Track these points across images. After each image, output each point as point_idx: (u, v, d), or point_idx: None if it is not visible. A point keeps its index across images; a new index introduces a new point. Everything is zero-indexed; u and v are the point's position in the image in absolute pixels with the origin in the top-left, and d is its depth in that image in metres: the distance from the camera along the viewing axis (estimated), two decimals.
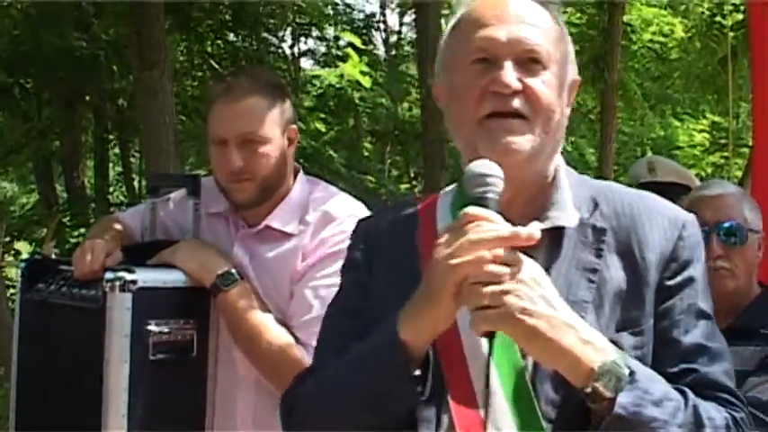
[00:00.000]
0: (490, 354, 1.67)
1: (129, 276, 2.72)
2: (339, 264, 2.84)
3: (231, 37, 12.63)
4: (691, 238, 1.88)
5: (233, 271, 2.85)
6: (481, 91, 1.83)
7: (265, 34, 12.96)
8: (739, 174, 11.28)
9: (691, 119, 17.39)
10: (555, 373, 1.72)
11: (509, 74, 1.81)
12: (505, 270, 1.63)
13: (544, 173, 1.90)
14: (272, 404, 2.87)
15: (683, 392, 1.74)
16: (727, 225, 2.90)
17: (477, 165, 1.74)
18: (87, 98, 12.24)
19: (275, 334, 2.83)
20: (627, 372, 1.66)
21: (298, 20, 13.49)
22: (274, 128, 2.93)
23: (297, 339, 2.83)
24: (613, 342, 1.72)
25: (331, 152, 11.54)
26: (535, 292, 1.64)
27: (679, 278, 1.85)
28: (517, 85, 1.81)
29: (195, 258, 2.87)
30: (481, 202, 1.70)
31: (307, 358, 2.79)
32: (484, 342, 1.69)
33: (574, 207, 1.88)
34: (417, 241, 1.93)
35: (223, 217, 3.05)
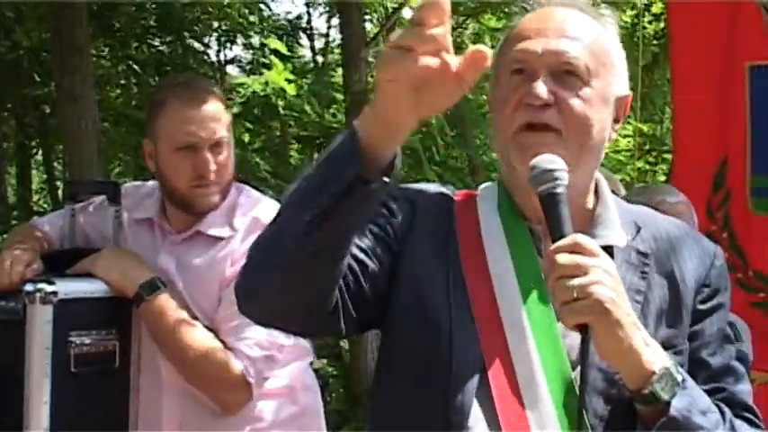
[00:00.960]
0: (583, 348, 1.66)
1: (49, 288, 2.69)
2: None
3: (156, 43, 12.50)
4: (721, 267, 1.95)
5: (156, 279, 2.83)
6: (515, 103, 1.82)
7: (191, 41, 12.86)
8: (663, 179, 11.46)
9: None
10: (604, 387, 1.76)
11: (540, 86, 1.80)
12: (593, 261, 1.63)
13: (583, 188, 1.91)
14: (199, 411, 2.88)
15: (720, 408, 1.80)
16: None
17: (541, 160, 1.73)
18: (8, 105, 12.04)
19: (201, 341, 2.81)
20: (681, 378, 1.70)
21: (224, 26, 13.41)
22: (230, 133, 2.95)
23: (225, 345, 2.81)
24: None
25: (258, 159, 11.48)
26: (618, 285, 1.66)
27: (710, 303, 1.91)
28: (548, 98, 1.80)
29: (116, 267, 2.84)
30: (553, 198, 1.70)
31: (236, 364, 2.78)
32: (522, 309, 1.74)
33: (621, 228, 1.90)
34: (457, 239, 1.89)
35: (149, 224, 3.02)
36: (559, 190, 1.70)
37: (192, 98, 2.89)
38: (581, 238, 1.66)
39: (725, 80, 4.38)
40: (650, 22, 12.27)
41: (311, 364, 3.18)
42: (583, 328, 1.64)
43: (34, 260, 2.82)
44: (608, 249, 1.82)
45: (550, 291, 1.66)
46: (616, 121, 1.91)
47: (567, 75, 1.81)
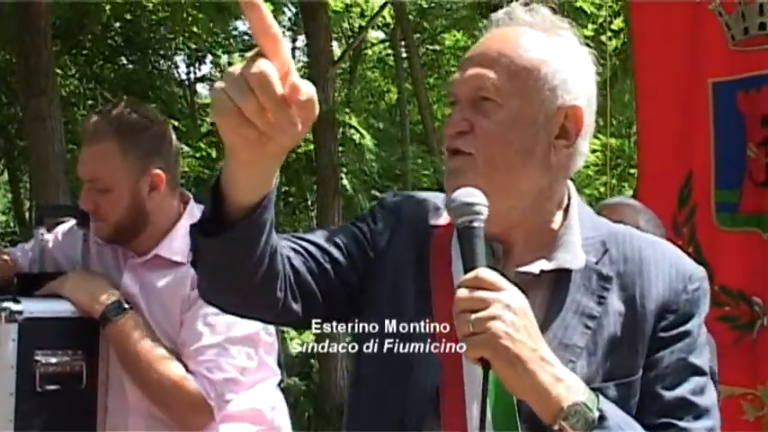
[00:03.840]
0: (485, 381, 1.64)
1: (14, 307, 2.68)
2: None
3: (123, 61, 12.48)
4: (696, 292, 1.87)
5: (122, 301, 2.82)
6: (445, 134, 1.86)
7: (158, 60, 12.85)
8: (630, 193, 11.55)
9: None
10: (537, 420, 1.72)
11: (454, 115, 1.84)
12: (492, 296, 1.62)
13: (533, 212, 1.88)
14: None
15: None
16: None
17: (461, 193, 1.73)
18: None
19: (164, 364, 2.80)
20: (596, 415, 1.66)
21: (192, 45, 13.41)
22: (122, 175, 2.86)
23: (186, 368, 2.80)
24: (600, 390, 1.72)
25: None
26: (520, 320, 1.63)
27: (674, 331, 1.83)
28: (460, 127, 1.83)
29: (83, 288, 2.83)
30: (468, 231, 1.70)
31: (197, 386, 2.78)
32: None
33: (582, 250, 1.86)
34: (428, 261, 1.91)
35: (111, 246, 3.01)
36: (475, 224, 1.69)
37: (83, 134, 2.94)
38: (483, 273, 1.65)
39: (688, 96, 4.41)
40: (610, 39, 12.39)
41: (280, 383, 3.17)
42: (484, 363, 1.63)
43: None
44: (565, 272, 1.83)
45: (456, 322, 1.64)
46: (562, 136, 1.85)
47: (482, 101, 1.83)
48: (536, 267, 1.83)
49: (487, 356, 1.62)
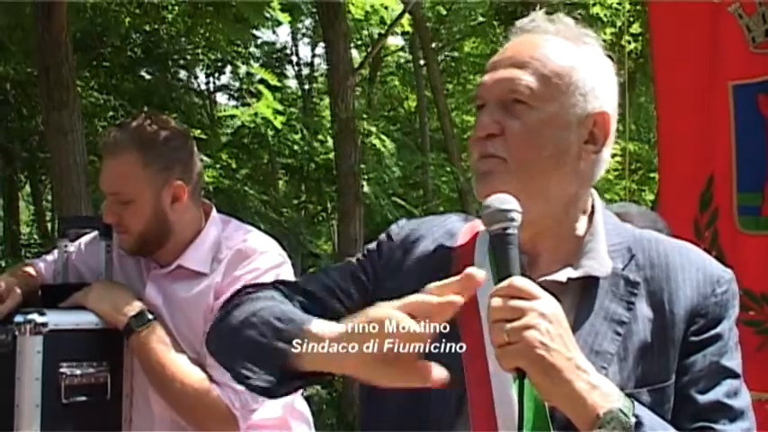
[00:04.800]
0: (521, 393, 1.64)
1: (39, 319, 2.69)
2: None
3: (143, 73, 12.54)
4: (724, 295, 1.86)
5: (146, 312, 2.83)
6: (473, 138, 1.85)
7: (178, 71, 12.91)
8: (651, 198, 11.51)
9: None
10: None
11: (484, 117, 1.82)
12: (527, 305, 1.61)
13: (560, 219, 1.87)
14: None
15: None
16: None
17: (495, 199, 1.72)
18: None
19: (189, 374, 2.81)
20: (633, 420, 1.65)
21: (211, 56, 13.46)
22: (144, 188, 2.88)
23: (211, 378, 2.81)
24: (633, 397, 1.70)
25: (246, 188, 11.51)
26: (555, 329, 1.61)
27: (705, 335, 1.82)
28: (491, 129, 1.81)
29: (107, 300, 2.85)
30: (502, 239, 1.68)
31: (221, 396, 2.78)
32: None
33: (608, 256, 1.85)
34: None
35: (134, 257, 3.02)
36: (510, 231, 1.68)
37: (103, 148, 2.95)
38: (517, 281, 1.63)
39: (709, 99, 4.39)
40: (629, 42, 12.37)
41: (303, 392, 3.17)
42: (519, 372, 1.62)
43: (12, 289, 2.84)
44: (592, 279, 1.82)
45: (490, 331, 1.63)
46: (590, 141, 1.86)
47: (514, 103, 1.82)
48: (563, 275, 1.82)
49: (523, 366, 1.60)
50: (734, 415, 1.79)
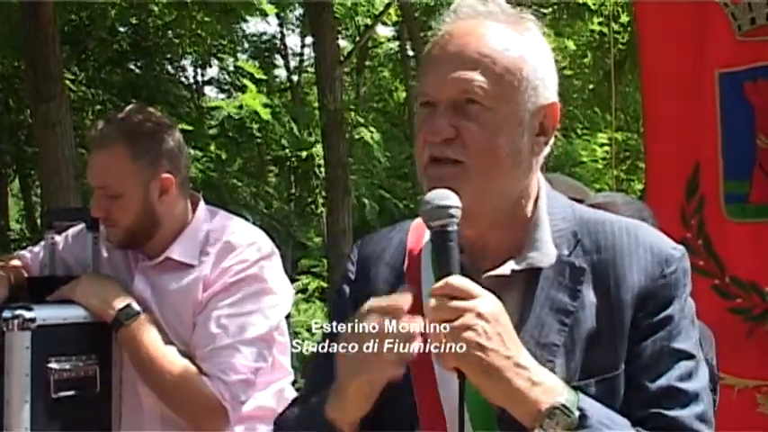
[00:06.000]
0: (462, 391, 1.64)
1: (27, 314, 2.68)
2: (242, 293, 2.87)
3: (131, 66, 12.50)
4: (674, 275, 1.80)
5: (134, 304, 2.83)
6: (422, 137, 1.79)
7: (165, 63, 12.88)
8: (640, 187, 11.51)
9: (588, 133, 17.72)
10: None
11: (439, 121, 1.75)
12: (465, 305, 1.60)
13: (510, 211, 1.83)
14: None
15: None
16: None
17: (435, 196, 1.70)
18: None
19: (178, 366, 2.81)
20: (577, 414, 1.64)
21: (197, 49, 13.42)
22: (132, 181, 2.87)
23: (200, 370, 2.81)
24: (580, 389, 1.69)
25: (234, 181, 11.50)
26: (493, 328, 1.60)
27: (654, 318, 1.77)
28: (448, 133, 1.75)
29: (95, 293, 2.84)
30: (442, 236, 1.67)
31: (211, 388, 2.78)
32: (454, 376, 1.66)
33: (552, 244, 1.81)
34: (404, 276, 1.90)
35: (122, 249, 3.02)
36: (449, 228, 1.67)
37: (91, 141, 2.96)
38: (454, 280, 1.63)
39: (695, 87, 4.40)
40: (617, 32, 12.37)
41: (294, 383, 3.18)
42: (459, 372, 1.62)
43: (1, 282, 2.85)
44: (537, 270, 1.80)
45: (429, 333, 1.63)
46: (541, 133, 1.82)
47: (468, 104, 1.76)
48: (506, 269, 1.79)
49: (461, 367, 1.61)
50: (687, 399, 1.74)
